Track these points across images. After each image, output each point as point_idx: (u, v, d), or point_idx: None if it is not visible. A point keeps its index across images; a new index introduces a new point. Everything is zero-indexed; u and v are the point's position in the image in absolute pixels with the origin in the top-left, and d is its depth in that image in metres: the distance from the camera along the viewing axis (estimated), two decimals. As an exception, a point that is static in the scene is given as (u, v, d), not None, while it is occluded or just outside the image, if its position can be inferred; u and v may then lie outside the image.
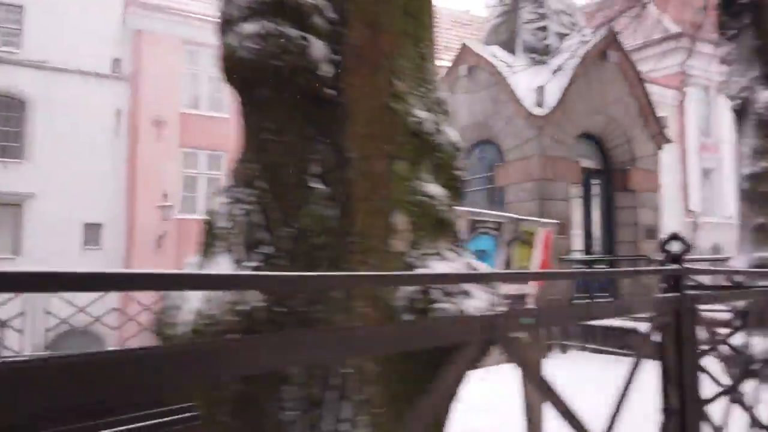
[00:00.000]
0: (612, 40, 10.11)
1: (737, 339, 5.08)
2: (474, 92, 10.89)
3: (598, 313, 1.67)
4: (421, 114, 1.90)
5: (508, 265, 3.50)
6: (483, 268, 2.11)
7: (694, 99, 23.55)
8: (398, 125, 1.83)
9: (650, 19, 14.01)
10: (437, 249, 1.95)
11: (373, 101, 1.78)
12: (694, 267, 1.91)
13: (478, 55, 10.74)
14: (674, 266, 1.89)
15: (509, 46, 10.95)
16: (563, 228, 10.16)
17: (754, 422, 2.61)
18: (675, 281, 1.92)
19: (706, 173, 24.38)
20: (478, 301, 1.90)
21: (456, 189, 2.10)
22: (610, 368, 1.93)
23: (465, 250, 2.09)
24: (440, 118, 2.04)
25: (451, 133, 2.09)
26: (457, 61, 11.21)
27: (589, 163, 10.68)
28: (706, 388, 2.86)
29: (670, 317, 1.81)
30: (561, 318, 1.51)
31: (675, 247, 1.94)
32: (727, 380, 2.57)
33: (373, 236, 1.75)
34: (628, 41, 12.51)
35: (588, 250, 11.00)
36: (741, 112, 6.69)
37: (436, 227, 1.93)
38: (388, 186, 1.79)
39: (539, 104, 9.69)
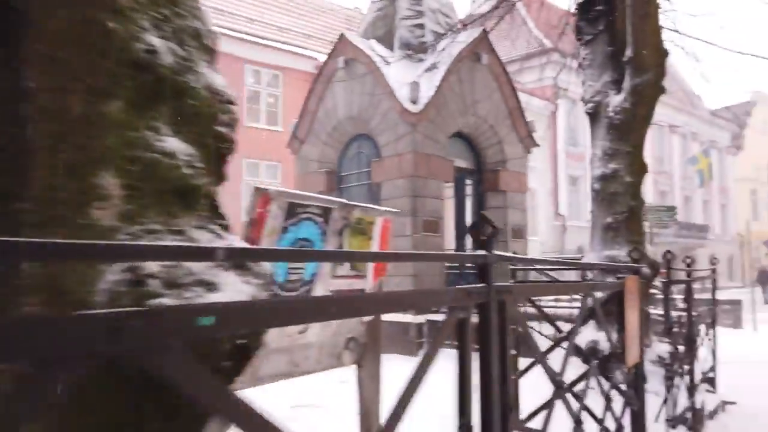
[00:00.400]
0: (483, 40, 10.24)
1: (584, 335, 5.12)
2: (351, 86, 10.56)
3: (360, 307, 1.29)
4: (155, 41, 1.40)
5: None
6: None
7: (564, 111, 25.27)
8: (113, 50, 1.31)
9: (518, 20, 14.58)
10: (178, 225, 1.45)
11: (70, 12, 1.26)
12: (505, 254, 1.59)
13: (356, 48, 10.42)
14: (480, 252, 1.56)
15: (387, 42, 10.75)
16: (436, 226, 10.11)
17: (577, 420, 2.42)
18: (483, 270, 1.60)
19: (573, 180, 26.25)
20: (230, 296, 1.42)
21: (218, 150, 1.62)
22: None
23: (227, 230, 1.60)
24: (195, 54, 1.55)
25: (214, 78, 1.61)
26: (334, 53, 10.82)
27: (462, 163, 10.76)
28: (545, 389, 2.65)
29: (470, 312, 1.48)
30: (284, 314, 1.09)
31: (484, 231, 1.62)
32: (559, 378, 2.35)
33: (60, 202, 1.23)
34: (504, 53, 12.89)
35: (460, 248, 11.09)
36: (594, 116, 6.92)
37: (175, 196, 1.44)
38: (89, 133, 1.27)
39: (414, 101, 9.55)
